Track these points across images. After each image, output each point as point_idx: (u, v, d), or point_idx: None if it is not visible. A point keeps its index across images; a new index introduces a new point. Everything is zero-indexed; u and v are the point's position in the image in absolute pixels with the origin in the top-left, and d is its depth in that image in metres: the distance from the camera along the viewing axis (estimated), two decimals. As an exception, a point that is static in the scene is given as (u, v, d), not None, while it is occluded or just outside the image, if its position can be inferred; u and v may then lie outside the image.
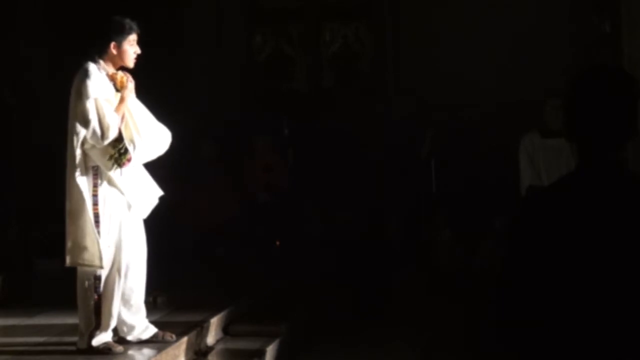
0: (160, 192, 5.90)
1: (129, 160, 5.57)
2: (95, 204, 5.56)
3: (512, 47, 10.56)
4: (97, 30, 5.78)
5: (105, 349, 5.68)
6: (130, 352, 5.78)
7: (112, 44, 5.66)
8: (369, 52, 11.53)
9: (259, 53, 11.68)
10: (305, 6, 11.53)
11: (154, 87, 5.90)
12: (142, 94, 5.79)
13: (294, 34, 11.68)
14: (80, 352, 5.71)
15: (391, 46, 11.35)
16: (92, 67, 5.60)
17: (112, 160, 5.53)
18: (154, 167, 5.93)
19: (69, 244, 5.60)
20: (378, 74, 11.42)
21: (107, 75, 5.66)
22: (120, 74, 5.70)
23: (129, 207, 5.72)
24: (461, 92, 10.48)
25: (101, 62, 5.66)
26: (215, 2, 11.41)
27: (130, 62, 5.72)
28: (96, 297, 5.66)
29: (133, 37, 5.70)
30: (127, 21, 5.70)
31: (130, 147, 5.54)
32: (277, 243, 9.99)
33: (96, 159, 5.57)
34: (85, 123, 5.48)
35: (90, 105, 5.49)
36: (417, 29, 11.01)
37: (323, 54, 11.63)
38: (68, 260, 5.62)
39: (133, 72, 5.78)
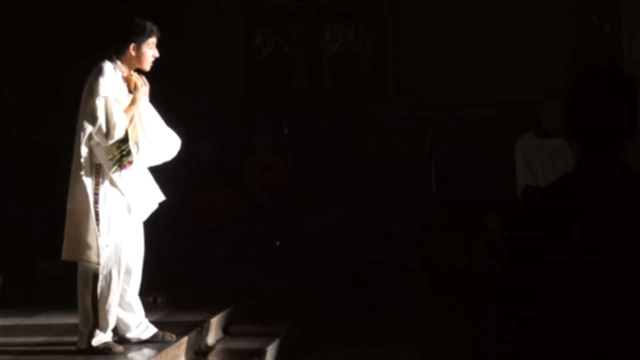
0: (162, 197, 5.91)
1: (130, 162, 5.56)
2: (96, 202, 5.57)
3: (512, 47, 10.57)
4: (117, 30, 5.78)
5: (105, 349, 5.68)
6: (130, 352, 5.78)
7: (132, 46, 5.66)
8: (369, 52, 11.52)
9: (259, 53, 11.67)
10: (305, 6, 11.52)
11: (153, 87, 5.88)
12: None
13: (294, 34, 11.67)
14: (80, 352, 5.71)
15: (391, 46, 11.35)
16: (107, 65, 5.61)
17: (114, 161, 5.54)
18: (155, 167, 5.93)
19: (68, 239, 5.62)
20: (378, 74, 11.42)
21: (122, 75, 5.67)
22: (135, 75, 5.70)
23: (129, 208, 5.72)
24: (461, 92, 10.48)
25: (118, 62, 5.67)
26: (215, 2, 11.40)
27: (147, 65, 5.73)
28: (95, 296, 5.66)
29: (153, 41, 5.70)
30: (149, 24, 5.70)
31: (133, 150, 5.54)
32: (277, 243, 9.98)
33: (100, 157, 5.59)
34: (93, 120, 5.50)
35: (99, 103, 5.50)
36: (417, 29, 11.00)
37: (323, 54, 11.62)
38: (65, 254, 5.64)
39: (146, 75, 5.78)
